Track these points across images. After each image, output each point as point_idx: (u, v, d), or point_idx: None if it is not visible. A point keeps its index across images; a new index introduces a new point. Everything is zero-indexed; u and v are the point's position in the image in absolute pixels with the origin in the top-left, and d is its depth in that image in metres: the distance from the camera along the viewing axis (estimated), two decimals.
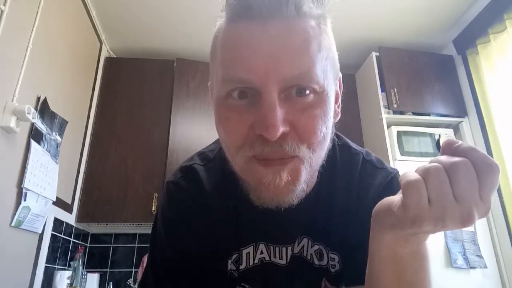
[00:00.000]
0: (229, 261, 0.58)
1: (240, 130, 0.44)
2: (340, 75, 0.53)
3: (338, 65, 0.51)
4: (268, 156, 0.43)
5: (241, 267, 0.58)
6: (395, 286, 0.42)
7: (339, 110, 0.53)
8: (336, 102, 0.51)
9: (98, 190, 2.21)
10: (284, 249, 0.58)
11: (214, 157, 0.61)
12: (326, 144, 0.47)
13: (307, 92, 0.43)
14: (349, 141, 0.64)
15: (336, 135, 0.62)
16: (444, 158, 0.34)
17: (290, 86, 0.42)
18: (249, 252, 0.58)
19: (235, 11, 0.43)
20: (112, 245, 2.41)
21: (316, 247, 0.59)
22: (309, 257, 0.59)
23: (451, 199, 0.32)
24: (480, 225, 2.09)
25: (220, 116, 0.46)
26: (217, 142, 0.64)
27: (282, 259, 0.59)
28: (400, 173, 0.62)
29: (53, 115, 1.71)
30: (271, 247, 0.58)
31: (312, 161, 0.45)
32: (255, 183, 0.46)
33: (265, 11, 0.41)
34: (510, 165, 1.94)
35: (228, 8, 0.44)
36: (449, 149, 0.34)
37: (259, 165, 0.44)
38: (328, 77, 0.45)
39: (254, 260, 0.58)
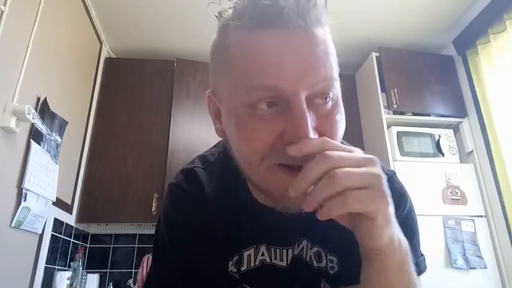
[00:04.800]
0: (230, 263, 0.58)
1: (266, 140, 0.43)
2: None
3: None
4: (293, 163, 0.42)
5: (242, 268, 0.58)
6: None
7: None
8: None
9: (98, 190, 2.21)
10: (284, 251, 0.59)
11: (215, 161, 0.62)
12: None
13: (327, 99, 0.44)
14: (345, 142, 0.64)
15: None
16: None
17: (315, 94, 0.43)
18: (250, 254, 0.58)
19: (257, 20, 0.43)
20: (112, 245, 2.41)
21: (315, 249, 0.59)
22: (308, 259, 0.59)
23: None
24: (480, 226, 2.09)
25: (242, 126, 0.44)
26: (217, 145, 0.64)
27: (282, 261, 0.59)
28: (398, 174, 0.62)
29: (53, 116, 1.71)
30: (272, 249, 0.59)
31: None
32: (281, 192, 0.44)
33: (290, 21, 0.42)
34: (510, 165, 1.94)
35: (247, 17, 0.43)
36: None
37: (283, 173, 0.43)
38: (338, 81, 0.46)
39: (255, 262, 0.58)
